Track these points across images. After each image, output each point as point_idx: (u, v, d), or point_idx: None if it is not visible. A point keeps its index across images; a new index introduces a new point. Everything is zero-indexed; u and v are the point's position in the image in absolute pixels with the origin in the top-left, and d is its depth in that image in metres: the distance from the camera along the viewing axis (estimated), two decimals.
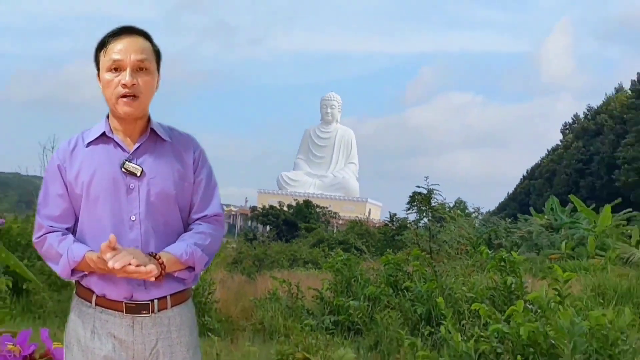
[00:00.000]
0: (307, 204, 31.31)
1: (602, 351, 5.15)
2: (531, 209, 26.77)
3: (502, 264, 6.94)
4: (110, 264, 1.48)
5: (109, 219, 1.63)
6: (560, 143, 58.90)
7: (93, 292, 1.66)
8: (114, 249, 1.51)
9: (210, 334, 7.70)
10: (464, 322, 6.53)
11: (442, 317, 6.69)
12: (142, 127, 1.71)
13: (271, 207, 32.08)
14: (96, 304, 1.65)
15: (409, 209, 10.54)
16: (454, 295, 7.31)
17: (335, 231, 25.10)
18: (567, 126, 61.21)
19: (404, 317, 7.56)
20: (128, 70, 1.62)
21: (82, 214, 1.67)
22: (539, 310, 5.55)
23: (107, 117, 1.73)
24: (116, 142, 1.69)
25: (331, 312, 8.00)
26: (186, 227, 1.74)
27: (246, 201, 39.49)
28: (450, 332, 5.31)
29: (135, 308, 1.62)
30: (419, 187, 9.35)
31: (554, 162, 54.89)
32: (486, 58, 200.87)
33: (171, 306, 1.67)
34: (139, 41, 1.66)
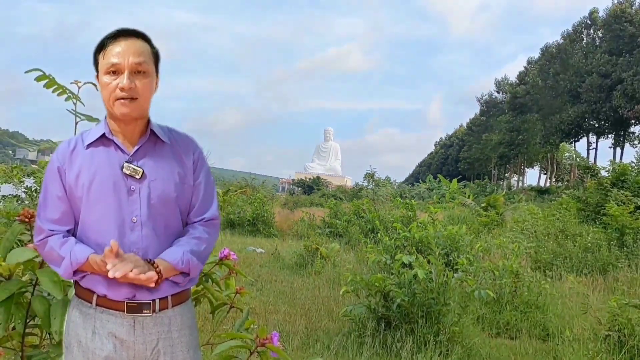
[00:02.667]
0: (318, 178, 60.07)
1: (452, 246, 9.66)
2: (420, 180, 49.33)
3: (407, 205, 15.73)
4: (110, 274, 1.41)
5: (109, 221, 1.53)
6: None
7: (94, 292, 1.56)
8: (116, 254, 1.45)
9: (274, 237, 16.77)
10: (389, 232, 12.43)
11: (378, 230, 15.44)
12: (141, 128, 1.62)
13: (300, 179, 61.82)
14: (97, 304, 1.56)
15: (364, 180, 23.62)
16: (384, 219, 14.03)
17: (329, 191, 37.61)
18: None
19: (362, 229, 15.67)
20: (126, 73, 1.53)
21: (83, 216, 1.56)
22: (423, 226, 9.99)
23: (106, 118, 1.63)
24: (116, 144, 1.59)
25: (328, 226, 16.66)
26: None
27: (290, 176, 72.25)
28: (382, 236, 10.21)
29: (136, 308, 1.55)
30: (367, 170, 20.42)
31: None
32: None
33: (172, 306, 1.60)
34: (137, 44, 1.57)
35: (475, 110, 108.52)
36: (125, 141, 1.63)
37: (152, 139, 1.65)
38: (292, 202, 31.02)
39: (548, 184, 61.79)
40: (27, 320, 1.96)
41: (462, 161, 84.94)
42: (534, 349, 6.34)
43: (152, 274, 1.49)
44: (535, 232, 14.16)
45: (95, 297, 1.59)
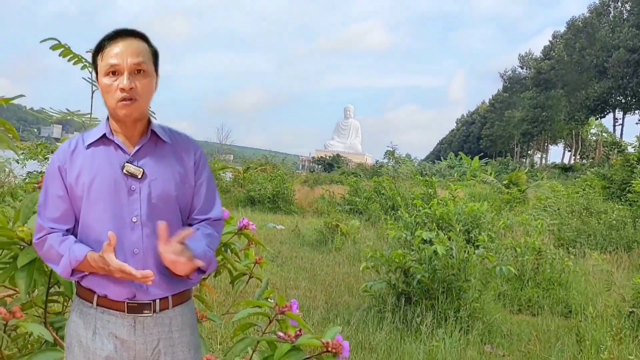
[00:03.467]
0: (338, 156, 60.46)
1: (473, 223, 9.62)
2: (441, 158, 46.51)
3: (427, 182, 15.64)
4: (165, 254, 1.46)
5: (110, 221, 1.53)
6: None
7: (94, 292, 1.56)
8: (114, 248, 1.46)
9: (294, 214, 16.82)
10: (409, 209, 13.72)
11: (398, 207, 15.43)
12: (142, 129, 1.61)
13: (320, 157, 62.39)
14: (97, 305, 1.56)
15: (384, 158, 23.08)
16: (404, 196, 14.17)
17: (350, 168, 37.79)
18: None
19: (382, 207, 15.87)
20: (126, 74, 1.52)
21: (83, 216, 1.56)
22: (444, 203, 9.67)
23: (107, 118, 1.62)
24: (117, 144, 1.58)
25: (348, 203, 16.73)
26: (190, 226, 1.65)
27: (310, 154, 73.01)
28: (402, 213, 10.09)
29: (137, 308, 1.55)
30: (388, 147, 20.35)
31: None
32: None
33: (172, 306, 1.60)
34: (136, 44, 1.55)
35: (498, 86, 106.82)
36: (126, 141, 1.62)
37: (153, 138, 1.64)
38: (312, 180, 30.91)
39: (572, 162, 60.89)
40: (50, 287, 1.96)
41: (484, 138, 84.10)
42: (556, 325, 6.29)
43: (149, 272, 1.49)
44: (558, 209, 13.97)
45: (95, 298, 1.59)
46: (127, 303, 1.56)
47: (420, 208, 10.37)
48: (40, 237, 1.59)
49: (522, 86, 76.41)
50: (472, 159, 39.41)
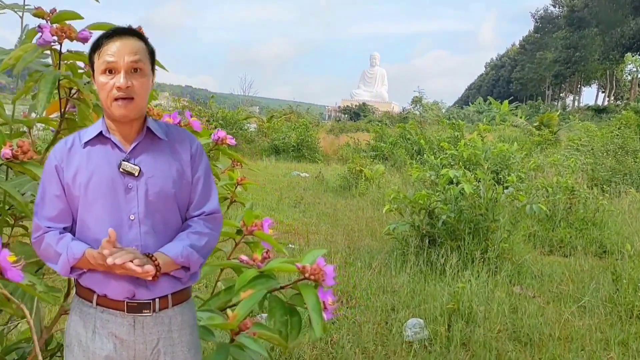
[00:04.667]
0: (364, 105, 59.29)
1: (502, 163, 9.31)
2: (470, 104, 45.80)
3: (453, 125, 15.19)
4: (109, 260, 1.42)
5: (108, 219, 1.53)
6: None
7: (94, 292, 1.56)
8: (114, 244, 1.46)
9: (318, 161, 16.60)
10: (435, 153, 12.39)
11: (424, 151, 15.12)
12: (138, 127, 1.60)
13: (346, 106, 61.89)
14: (97, 304, 1.56)
15: (411, 105, 21.41)
16: (430, 141, 13.96)
17: (376, 117, 37.42)
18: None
19: (408, 151, 15.72)
20: (122, 72, 1.51)
21: (81, 215, 1.56)
22: (472, 144, 9.65)
23: (104, 116, 1.62)
24: (113, 142, 1.58)
25: (373, 149, 16.47)
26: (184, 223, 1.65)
27: (336, 104, 72.65)
28: (428, 156, 10.42)
29: (136, 307, 1.55)
30: (415, 91, 19.97)
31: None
32: None
33: (172, 305, 1.59)
34: (133, 42, 1.55)
35: (529, 27, 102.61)
36: (123, 139, 1.61)
37: (149, 136, 1.62)
38: (338, 129, 30.54)
39: (606, 103, 58.84)
40: None
41: (514, 82, 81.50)
42: (589, 265, 5.99)
43: (149, 267, 1.47)
44: (592, 149, 13.41)
45: (95, 297, 1.58)
46: (127, 302, 1.56)
47: (447, 150, 10.16)
48: (37, 236, 1.59)
49: (554, 26, 73.34)
50: (501, 103, 38.32)
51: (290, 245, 6.63)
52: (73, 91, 2.02)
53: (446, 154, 10.00)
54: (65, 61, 1.98)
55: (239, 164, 2.30)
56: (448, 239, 5.77)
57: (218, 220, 1.68)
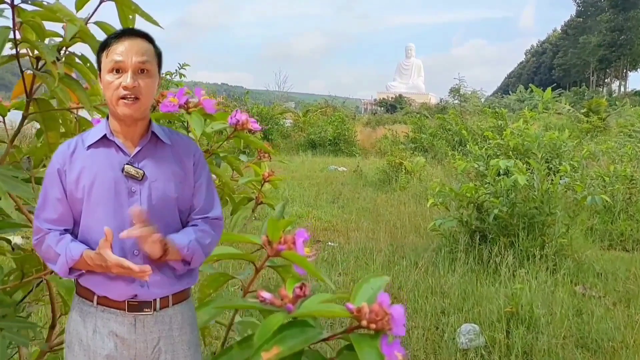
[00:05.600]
0: (400, 97, 57.49)
1: (553, 152, 8.60)
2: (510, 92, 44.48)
3: (496, 114, 14.57)
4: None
5: (111, 223, 1.52)
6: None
7: (94, 292, 1.57)
8: (111, 244, 1.48)
9: (355, 155, 16.23)
10: (478, 143, 13.62)
11: (466, 142, 14.56)
12: (142, 129, 1.61)
13: (382, 99, 59.97)
14: (98, 303, 1.57)
15: (449, 96, 21.44)
16: (472, 131, 13.42)
17: (413, 109, 36.74)
18: None
19: (448, 143, 15.29)
20: (129, 72, 1.52)
21: (84, 218, 1.57)
22: (518, 133, 8.58)
23: (107, 118, 1.63)
24: (117, 146, 1.59)
25: (412, 142, 16.06)
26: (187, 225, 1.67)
27: (372, 97, 71.12)
28: (471, 147, 9.86)
29: (137, 306, 1.55)
30: (455, 79, 18.54)
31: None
32: None
33: (172, 304, 1.60)
34: (141, 43, 1.56)
35: (570, 12, 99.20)
36: (127, 142, 1.61)
37: (152, 140, 1.63)
38: (374, 121, 30.01)
39: None
40: None
41: (556, 68, 78.91)
42: None
43: (146, 267, 1.47)
44: None
45: (95, 297, 1.58)
46: (128, 301, 1.56)
47: (491, 140, 9.66)
48: (38, 238, 1.59)
49: (597, 9, 70.73)
50: (544, 90, 37.11)
51: (329, 243, 6.31)
52: (41, 63, 1.74)
53: (490, 143, 9.51)
54: (22, 21, 1.70)
55: (266, 155, 1.97)
56: (500, 234, 5.34)
57: (220, 227, 1.69)
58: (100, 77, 1.59)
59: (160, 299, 1.59)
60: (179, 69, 12.13)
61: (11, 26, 1.62)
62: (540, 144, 6.76)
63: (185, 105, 1.83)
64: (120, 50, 1.55)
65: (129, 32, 1.59)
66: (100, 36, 1.83)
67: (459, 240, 5.42)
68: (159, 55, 1.63)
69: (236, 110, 1.74)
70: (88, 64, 1.85)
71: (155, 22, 1.82)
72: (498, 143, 8.91)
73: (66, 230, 1.60)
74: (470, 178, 8.57)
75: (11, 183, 1.72)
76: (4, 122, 1.93)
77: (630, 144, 10.30)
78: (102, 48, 1.58)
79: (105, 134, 1.60)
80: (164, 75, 12.33)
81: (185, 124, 1.87)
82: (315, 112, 24.07)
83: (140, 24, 1.83)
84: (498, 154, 8.95)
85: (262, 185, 1.95)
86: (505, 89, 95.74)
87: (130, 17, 1.78)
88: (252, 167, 1.96)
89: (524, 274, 4.70)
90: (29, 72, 1.74)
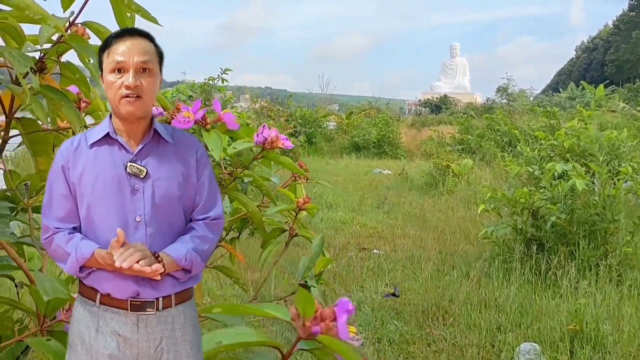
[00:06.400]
0: (445, 97, 56.50)
1: (611, 153, 7.86)
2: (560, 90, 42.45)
3: (548, 113, 13.98)
4: (117, 264, 1.45)
5: (114, 220, 1.55)
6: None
7: (97, 290, 1.58)
8: (123, 244, 1.49)
9: (400, 157, 15.90)
10: (529, 144, 11.11)
11: (516, 143, 13.97)
12: (145, 128, 1.62)
13: (427, 99, 59.52)
14: (100, 303, 1.57)
15: (496, 95, 20.51)
16: (523, 131, 12.65)
17: (459, 109, 36.10)
18: None
19: (497, 143, 14.75)
20: (131, 71, 1.53)
21: (86, 215, 1.58)
22: (573, 133, 8.12)
23: (110, 117, 1.63)
24: (120, 144, 1.60)
25: (459, 143, 15.64)
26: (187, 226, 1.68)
27: (416, 98, 70.32)
28: (522, 148, 8.74)
29: (140, 306, 1.56)
30: (504, 78, 17.87)
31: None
32: None
33: (175, 304, 1.61)
34: (142, 43, 1.57)
35: (622, 6, 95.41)
36: (130, 140, 1.62)
37: (155, 138, 1.63)
38: (419, 123, 29.43)
39: None
40: None
41: (608, 65, 76.08)
42: None
43: (158, 267, 1.49)
44: None
45: (98, 296, 1.58)
46: (131, 301, 1.56)
47: (543, 141, 9.21)
48: (47, 237, 1.61)
49: None
50: (595, 87, 35.91)
51: (375, 251, 6.08)
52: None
53: (542, 144, 9.07)
54: None
55: (302, 176, 1.77)
56: (559, 243, 5.00)
57: (220, 227, 1.70)
58: (101, 77, 1.61)
59: (163, 298, 1.60)
60: (222, 73, 12.12)
61: None
62: (601, 145, 6.31)
63: (203, 121, 1.67)
64: (122, 50, 1.55)
65: (130, 32, 1.60)
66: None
67: (513, 249, 5.11)
68: (160, 54, 1.64)
69: (263, 126, 1.57)
70: (77, 75, 1.70)
71: (155, 21, 1.72)
72: (552, 144, 8.48)
73: (74, 229, 1.61)
74: (523, 181, 8.18)
75: None
76: None
77: None
78: (103, 48, 1.60)
79: (108, 132, 1.60)
80: (206, 80, 12.53)
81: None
82: (359, 114, 23.82)
83: (139, 23, 1.71)
84: (552, 155, 8.51)
85: (296, 215, 1.77)
86: (555, 86, 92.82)
87: (129, 14, 1.62)
88: (286, 193, 1.78)
89: (586, 287, 4.36)
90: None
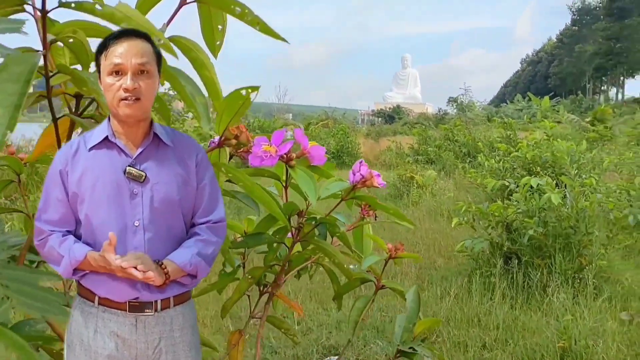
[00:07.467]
0: (398, 107, 57.94)
1: (571, 165, 7.57)
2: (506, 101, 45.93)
3: (505, 125, 14.24)
4: (117, 262, 1.45)
5: (112, 224, 1.53)
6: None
7: (95, 292, 1.58)
8: (115, 248, 1.48)
9: None
10: (490, 155, 12.06)
11: (475, 154, 14.17)
12: (144, 130, 1.60)
13: (380, 110, 60.69)
14: (99, 304, 1.57)
15: (447, 105, 22.63)
16: (482, 141, 13.07)
17: (411, 119, 36.99)
18: None
19: (455, 155, 15.06)
20: (129, 74, 1.50)
21: (86, 219, 1.57)
22: (534, 144, 8.38)
23: (109, 120, 1.61)
24: (119, 147, 1.58)
25: (418, 153, 15.78)
26: (189, 230, 1.66)
27: (369, 108, 72.29)
28: (483, 159, 9.04)
29: (138, 307, 1.55)
30: (460, 87, 18.81)
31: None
32: None
33: (174, 305, 1.60)
34: (140, 44, 1.54)
35: (566, 20, 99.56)
36: (129, 143, 1.60)
37: (155, 141, 1.61)
38: (375, 133, 29.76)
39: None
40: None
41: (552, 77, 78.89)
42: None
43: (151, 274, 1.47)
44: None
45: (97, 297, 1.58)
46: (129, 302, 1.56)
47: (502, 152, 9.37)
48: (40, 239, 1.60)
49: (592, 17, 71.05)
50: (541, 99, 36.98)
51: (350, 266, 5.96)
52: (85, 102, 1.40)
53: (500, 155, 9.25)
54: (56, 39, 1.27)
55: (371, 212, 1.66)
56: (534, 257, 5.00)
57: (223, 229, 1.68)
58: (99, 79, 1.58)
59: (162, 300, 1.59)
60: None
61: (41, 49, 1.18)
62: (572, 158, 6.42)
63: (287, 156, 1.50)
64: (119, 52, 1.52)
65: (128, 33, 1.55)
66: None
67: (491, 263, 5.08)
68: (158, 55, 1.60)
69: (360, 162, 1.41)
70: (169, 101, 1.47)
71: (279, 37, 1.48)
72: (516, 156, 8.61)
73: (68, 232, 1.60)
74: (488, 193, 8.25)
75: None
76: (19, 181, 1.65)
77: None
78: (99, 50, 1.56)
79: (107, 136, 1.58)
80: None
81: (283, 183, 1.53)
82: (317, 124, 23.81)
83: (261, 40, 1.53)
84: (515, 167, 8.65)
85: (385, 264, 1.68)
86: (502, 97, 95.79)
87: (220, 27, 1.42)
88: (368, 237, 1.65)
89: (567, 301, 4.36)
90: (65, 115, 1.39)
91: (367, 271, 1.97)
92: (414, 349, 1.90)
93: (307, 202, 1.73)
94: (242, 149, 1.74)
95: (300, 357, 3.80)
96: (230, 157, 1.84)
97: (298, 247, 1.92)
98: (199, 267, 1.58)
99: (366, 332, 4.13)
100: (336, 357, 3.92)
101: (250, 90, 1.61)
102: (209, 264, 1.62)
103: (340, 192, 1.60)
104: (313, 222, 1.65)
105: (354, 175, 1.52)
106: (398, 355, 1.91)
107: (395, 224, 7.26)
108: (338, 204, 1.63)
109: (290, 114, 45.49)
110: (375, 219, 1.79)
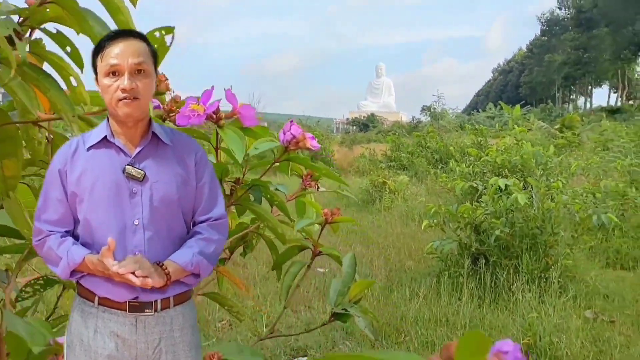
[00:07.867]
0: (372, 115, 58.73)
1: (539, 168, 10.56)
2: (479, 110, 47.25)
3: (476, 131, 14.46)
4: (114, 269, 1.44)
5: (112, 224, 1.54)
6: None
7: (95, 293, 1.58)
8: (113, 253, 1.48)
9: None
10: (461, 160, 13.22)
11: (446, 160, 14.32)
12: (143, 130, 1.60)
13: (355, 118, 61.96)
14: (99, 304, 1.57)
15: (421, 114, 23.58)
16: (454, 147, 13.20)
17: (385, 127, 37.61)
18: None
19: (428, 160, 15.17)
20: (126, 74, 1.51)
21: (85, 219, 1.57)
22: (503, 150, 8.28)
23: (107, 120, 1.62)
24: (118, 147, 1.58)
25: (391, 160, 15.88)
26: (190, 229, 1.67)
27: (344, 116, 72.99)
28: (454, 165, 10.53)
29: (138, 307, 1.55)
30: (434, 95, 18.87)
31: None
32: None
33: (174, 305, 1.60)
34: (136, 44, 1.55)
35: (535, 31, 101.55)
36: (128, 143, 1.60)
37: (153, 140, 1.62)
38: (349, 140, 29.91)
39: (619, 103, 57.90)
40: None
41: (522, 86, 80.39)
42: None
43: (148, 281, 1.46)
44: (623, 149, 12.64)
45: (97, 297, 1.57)
46: (129, 302, 1.55)
47: (473, 157, 9.53)
48: (39, 240, 1.60)
49: (561, 28, 72.74)
50: (512, 107, 37.91)
51: (319, 269, 5.95)
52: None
53: (472, 160, 9.38)
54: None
55: (313, 182, 1.68)
56: (502, 257, 5.06)
57: (225, 226, 1.68)
58: (96, 80, 1.58)
59: (162, 299, 1.58)
60: None
61: None
62: (539, 161, 6.53)
63: (216, 115, 1.49)
64: (116, 53, 1.52)
65: (123, 33, 1.56)
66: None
67: (459, 264, 5.12)
68: (154, 53, 1.61)
69: (290, 122, 1.40)
70: (69, 48, 1.46)
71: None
72: (486, 160, 8.72)
73: (67, 232, 1.60)
74: (457, 196, 8.32)
75: None
76: None
77: (619, 159, 10.25)
78: (96, 51, 1.57)
79: (105, 136, 1.58)
80: None
81: (213, 144, 1.52)
82: None
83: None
84: (485, 171, 8.77)
85: (322, 229, 1.69)
86: (474, 106, 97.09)
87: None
88: (308, 203, 1.66)
89: (533, 299, 4.41)
90: None
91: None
92: (346, 311, 1.92)
93: (243, 166, 1.74)
94: (167, 106, 1.75)
95: (268, 358, 3.78)
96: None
97: (235, 217, 1.91)
98: (201, 266, 1.58)
99: (334, 333, 4.12)
100: (305, 357, 3.92)
101: (164, 32, 1.63)
102: (212, 262, 1.62)
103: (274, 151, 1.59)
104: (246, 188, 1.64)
105: (284, 134, 1.50)
106: (332, 318, 1.97)
107: (363, 227, 7.22)
108: (271, 166, 1.64)
109: (265, 122, 45.48)
110: (318, 189, 1.81)
